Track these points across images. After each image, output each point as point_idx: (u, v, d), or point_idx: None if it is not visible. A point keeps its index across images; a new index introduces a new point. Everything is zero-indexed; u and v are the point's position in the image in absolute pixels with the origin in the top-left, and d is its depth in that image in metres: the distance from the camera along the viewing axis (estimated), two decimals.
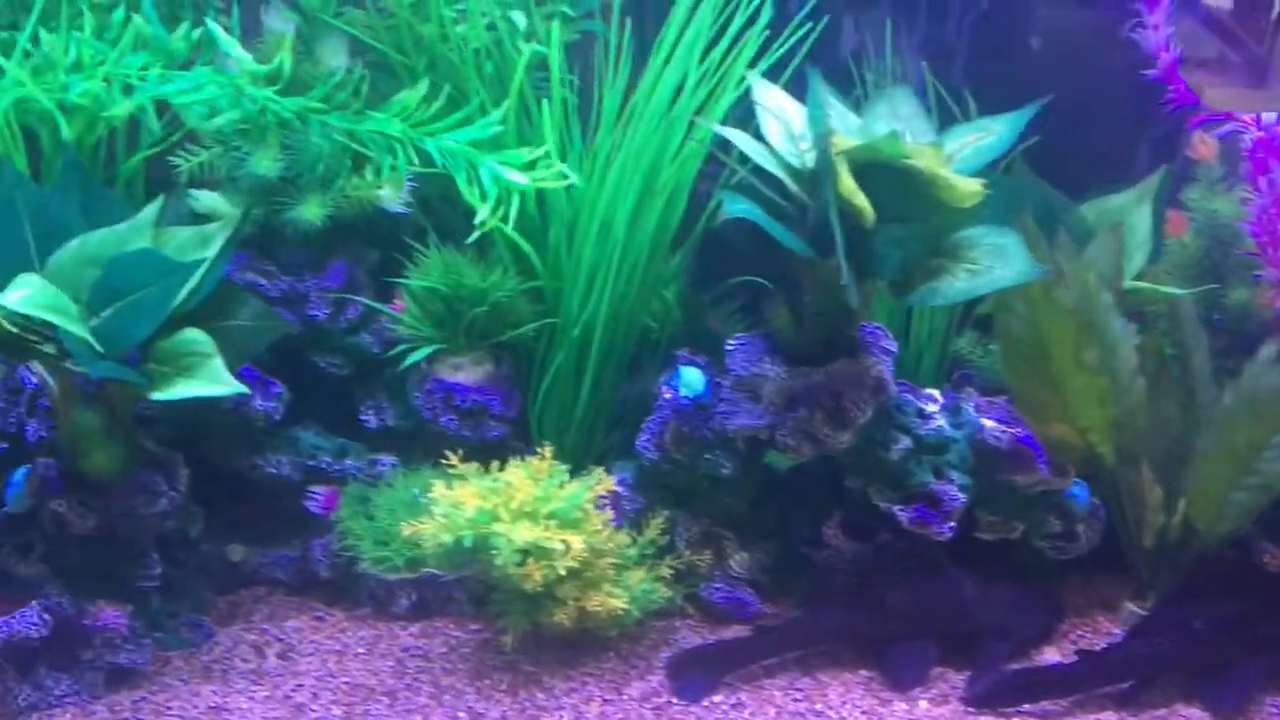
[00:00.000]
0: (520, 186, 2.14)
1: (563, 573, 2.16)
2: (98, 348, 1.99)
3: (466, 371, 2.50)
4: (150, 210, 2.12)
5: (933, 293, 2.02)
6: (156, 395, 2.04)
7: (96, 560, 2.23)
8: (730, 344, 2.28)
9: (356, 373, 2.55)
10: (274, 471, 2.46)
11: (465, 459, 2.42)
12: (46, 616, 2.12)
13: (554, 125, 2.28)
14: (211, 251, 2.14)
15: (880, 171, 1.97)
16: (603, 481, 2.25)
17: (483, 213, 2.16)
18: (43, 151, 2.25)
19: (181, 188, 2.29)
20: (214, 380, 2.06)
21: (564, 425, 2.47)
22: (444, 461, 2.36)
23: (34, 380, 2.34)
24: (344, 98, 2.20)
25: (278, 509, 2.54)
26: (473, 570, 2.35)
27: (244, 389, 2.05)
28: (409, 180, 2.38)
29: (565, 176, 2.21)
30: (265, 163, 2.31)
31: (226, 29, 2.23)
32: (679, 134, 2.28)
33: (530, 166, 2.15)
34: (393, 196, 2.36)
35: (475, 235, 2.22)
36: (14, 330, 1.99)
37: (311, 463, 2.50)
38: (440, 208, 2.52)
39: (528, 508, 2.14)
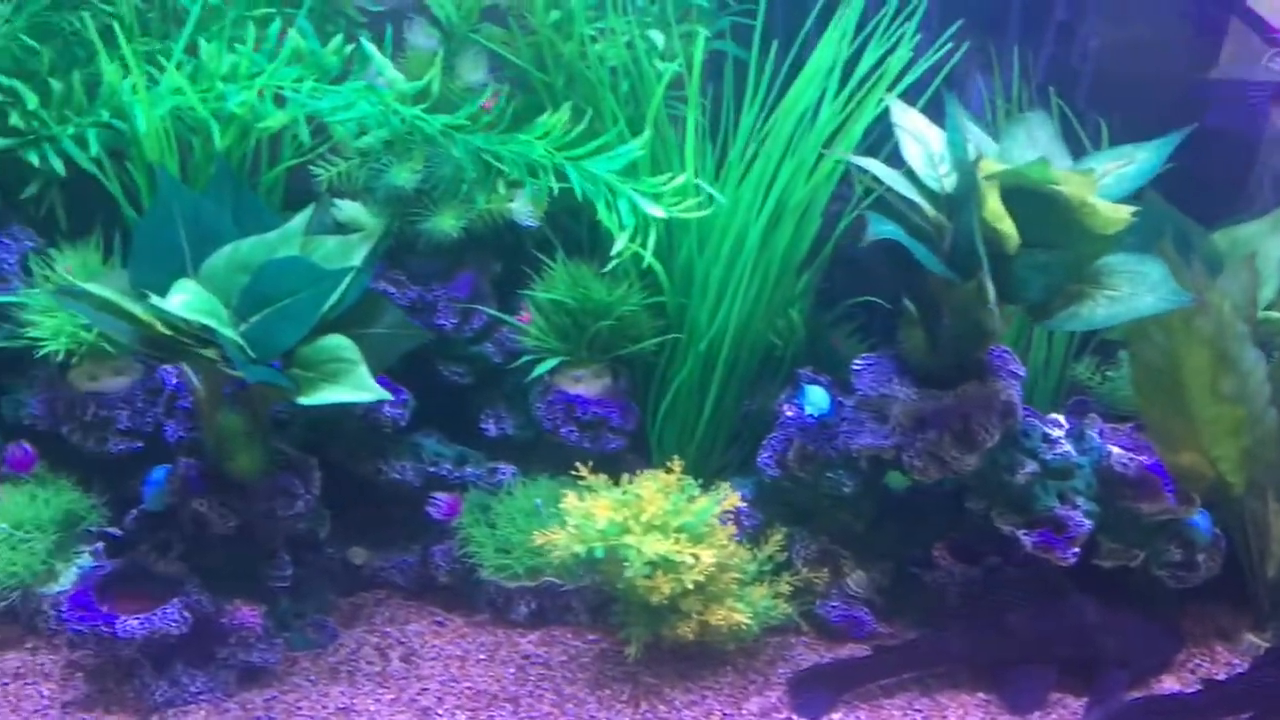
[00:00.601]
0: (658, 220, 2.17)
1: (690, 586, 2.18)
2: (250, 352, 2.04)
3: (586, 384, 2.53)
4: (300, 219, 2.17)
5: (1073, 318, 2.03)
6: (303, 400, 2.08)
7: (232, 559, 2.28)
8: (857, 364, 2.30)
9: (477, 382, 2.59)
10: (398, 477, 2.50)
11: (592, 469, 2.48)
12: (187, 614, 2.17)
13: (691, 147, 2.31)
14: (356, 260, 2.19)
15: (1025, 197, 1.99)
16: (729, 497, 2.27)
17: (620, 242, 2.19)
18: (192, 159, 2.31)
19: (326, 198, 2.34)
20: (359, 387, 2.10)
21: (685, 440, 2.50)
22: (569, 473, 2.41)
23: (174, 382, 2.41)
24: (489, 119, 2.23)
25: (395, 514, 2.59)
26: (593, 580, 2.39)
27: (388, 395, 2.10)
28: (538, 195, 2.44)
29: (701, 206, 2.23)
30: (404, 175, 2.36)
31: (378, 45, 2.28)
32: (814, 154, 2.30)
33: (662, 197, 2.17)
34: (527, 212, 2.41)
35: (612, 264, 2.26)
36: (169, 333, 2.04)
37: (433, 469, 2.54)
38: (564, 220, 2.56)
39: (657, 521, 2.17)
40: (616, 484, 2.41)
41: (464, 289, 2.52)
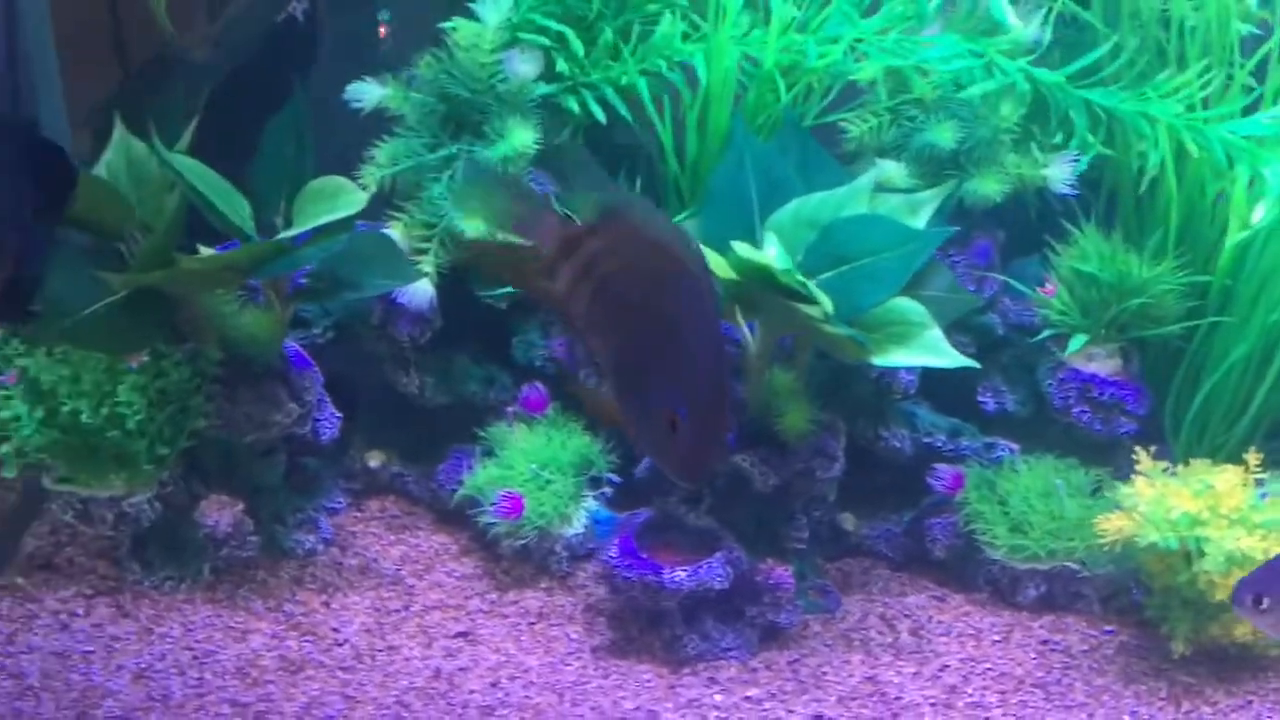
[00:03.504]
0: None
1: None
2: (830, 310, 2.00)
3: (1099, 363, 2.41)
4: (868, 177, 2.12)
5: None
6: (878, 360, 2.04)
7: (756, 517, 2.27)
8: None
9: (978, 353, 2.50)
10: (897, 445, 2.43)
11: (1088, 454, 2.37)
12: (729, 569, 2.16)
13: None
14: (921, 220, 2.12)
15: None
16: None
17: (1257, 213, 2.05)
18: (742, 110, 2.28)
19: (870, 155, 2.28)
20: (933, 351, 2.04)
21: (1218, 431, 2.35)
22: (1074, 454, 2.35)
23: None
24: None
25: (880, 481, 2.52)
26: (1119, 569, 2.29)
27: (973, 364, 2.03)
28: (1074, 161, 2.33)
29: None
30: (945, 134, 2.28)
31: None
32: None
33: None
34: (1063, 178, 2.30)
35: (1239, 238, 2.11)
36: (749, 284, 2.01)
37: (927, 440, 2.47)
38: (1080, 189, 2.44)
39: (1237, 515, 2.04)
40: (1115, 472, 2.33)
41: (983, 255, 2.43)
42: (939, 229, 2.05)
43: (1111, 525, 2.10)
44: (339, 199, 2.07)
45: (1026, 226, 2.52)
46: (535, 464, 2.33)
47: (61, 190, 1.81)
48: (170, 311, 2.10)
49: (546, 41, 2.32)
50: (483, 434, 2.43)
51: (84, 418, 2.04)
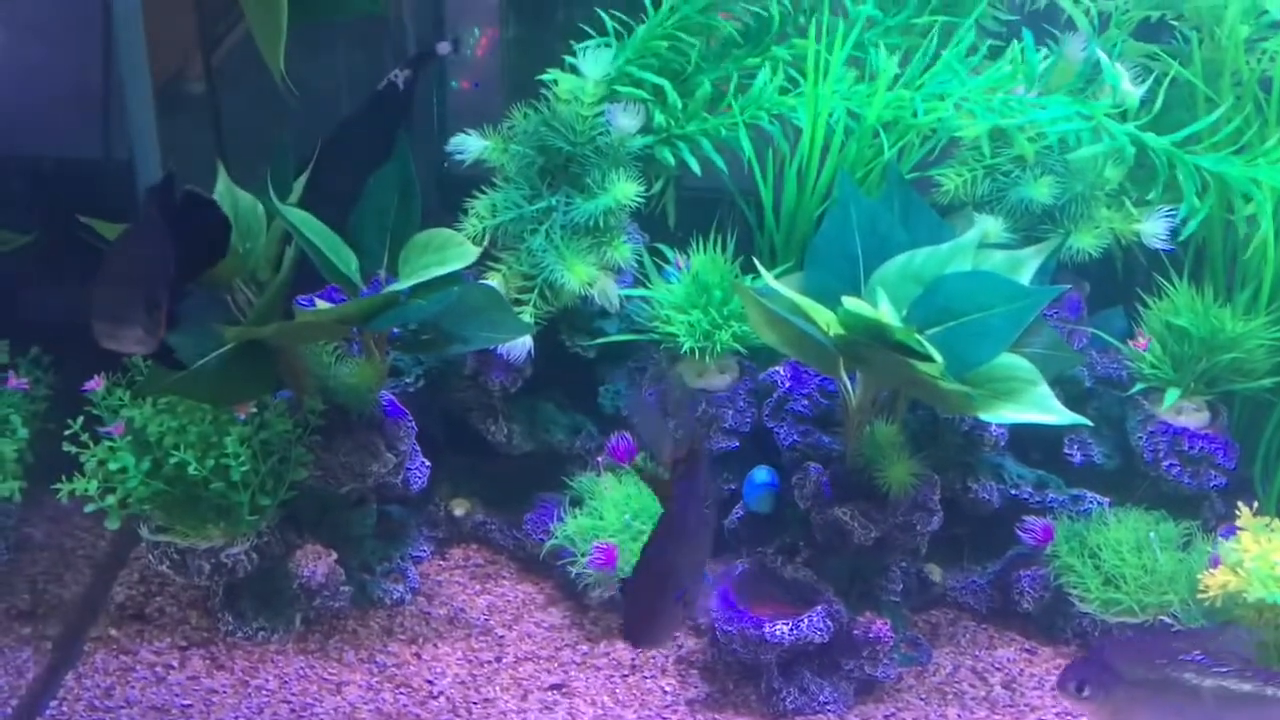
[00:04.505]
0: None
1: None
2: (943, 366, 2.00)
3: (1188, 416, 2.42)
4: (974, 234, 2.12)
5: None
6: (985, 416, 2.04)
7: (853, 569, 2.26)
8: None
9: (1067, 406, 2.50)
10: (985, 497, 2.43)
11: (1172, 506, 2.37)
12: (830, 623, 2.15)
13: None
14: (1025, 277, 2.13)
15: None
16: None
17: None
18: (841, 163, 2.29)
19: (968, 209, 2.29)
20: (1042, 408, 2.04)
21: None
22: (1160, 507, 2.34)
23: (786, 385, 2.40)
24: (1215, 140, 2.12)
25: (961, 533, 2.52)
26: (1211, 623, 2.28)
27: (1083, 420, 2.03)
28: (1173, 218, 2.34)
29: None
30: (1041, 190, 2.29)
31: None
32: None
33: None
34: (1158, 233, 2.32)
35: None
36: (859, 339, 2.01)
37: (1014, 492, 2.46)
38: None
39: None
40: (1204, 526, 2.35)
41: (1073, 309, 2.44)
42: (1050, 287, 2.06)
43: (1216, 581, 2.10)
44: (448, 251, 2.07)
45: (1107, 278, 2.55)
46: (628, 514, 2.33)
47: (216, 248, 1.81)
48: (274, 362, 2.10)
49: (643, 95, 2.34)
50: (571, 483, 2.43)
51: (191, 469, 2.03)
